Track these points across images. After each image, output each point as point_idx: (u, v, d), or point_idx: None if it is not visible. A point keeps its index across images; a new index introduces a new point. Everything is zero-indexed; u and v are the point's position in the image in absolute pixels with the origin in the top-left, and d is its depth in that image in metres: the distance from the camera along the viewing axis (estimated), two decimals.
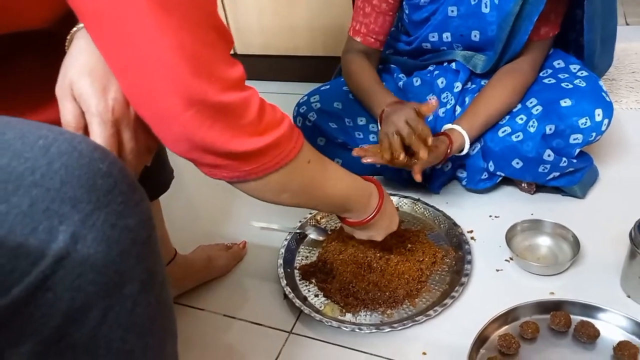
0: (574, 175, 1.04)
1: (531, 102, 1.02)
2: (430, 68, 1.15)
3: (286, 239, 1.02)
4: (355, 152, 0.96)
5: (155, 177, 0.58)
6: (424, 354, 0.80)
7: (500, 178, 1.09)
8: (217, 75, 0.49)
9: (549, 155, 0.98)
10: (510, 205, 1.08)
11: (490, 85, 1.04)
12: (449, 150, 0.98)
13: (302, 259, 1.00)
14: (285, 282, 0.92)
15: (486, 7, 0.99)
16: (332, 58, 1.65)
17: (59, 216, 0.36)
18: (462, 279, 0.90)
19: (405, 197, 1.11)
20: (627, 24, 1.93)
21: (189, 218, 1.21)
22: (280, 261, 0.96)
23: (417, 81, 1.15)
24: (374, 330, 0.82)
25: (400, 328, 0.82)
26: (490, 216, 1.06)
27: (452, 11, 1.03)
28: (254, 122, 0.53)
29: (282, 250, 0.99)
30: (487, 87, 1.04)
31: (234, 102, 0.51)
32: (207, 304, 0.94)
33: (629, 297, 0.84)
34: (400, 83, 1.17)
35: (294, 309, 0.89)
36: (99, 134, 0.49)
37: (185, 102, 0.47)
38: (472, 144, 1.02)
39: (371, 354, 0.81)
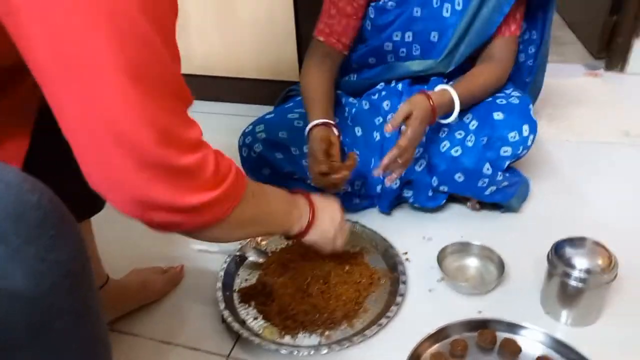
0: (509, 190, 1.11)
1: (467, 118, 1.09)
2: (379, 87, 1.20)
3: (225, 262, 1.01)
4: (376, 173, 1.02)
5: (87, 196, 0.56)
6: None
7: (445, 198, 1.14)
8: (176, 139, 0.51)
9: (487, 169, 1.04)
10: (443, 227, 1.13)
11: (476, 68, 1.11)
12: (431, 103, 0.99)
13: (242, 282, 1.00)
14: (223, 305, 0.91)
15: (447, 11, 1.08)
16: (277, 82, 1.68)
17: None
18: (397, 298, 0.92)
19: (345, 220, 1.13)
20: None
21: (124, 240, 1.16)
22: (219, 284, 0.95)
23: (366, 104, 1.20)
24: (312, 353, 0.83)
25: (338, 349, 0.84)
26: (424, 238, 1.10)
27: (417, 12, 1.11)
28: (210, 178, 0.55)
29: (221, 274, 0.98)
30: (473, 70, 1.11)
31: (193, 164, 0.53)
32: (143, 330, 0.91)
33: (547, 313, 0.90)
34: (353, 110, 1.20)
35: (232, 333, 0.88)
36: None
37: (142, 167, 0.48)
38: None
39: None
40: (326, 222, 0.84)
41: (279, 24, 1.61)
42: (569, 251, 0.85)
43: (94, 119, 0.46)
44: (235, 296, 0.96)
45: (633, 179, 1.29)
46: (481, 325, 0.85)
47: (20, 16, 0.42)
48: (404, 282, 0.96)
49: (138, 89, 0.46)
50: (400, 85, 1.17)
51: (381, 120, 1.16)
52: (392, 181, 1.04)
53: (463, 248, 1.03)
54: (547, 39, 1.21)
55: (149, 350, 0.88)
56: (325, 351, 0.83)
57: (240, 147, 1.17)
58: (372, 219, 1.16)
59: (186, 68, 1.79)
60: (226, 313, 0.89)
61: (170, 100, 0.50)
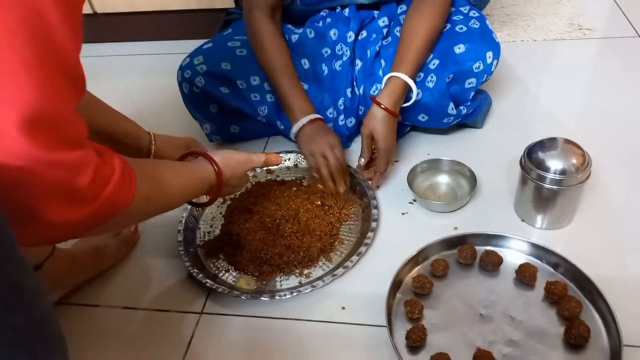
0: (473, 114, 1.08)
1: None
2: (323, 14, 1.09)
3: (182, 217, 0.93)
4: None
5: None
6: (343, 308, 0.80)
7: (409, 129, 1.11)
8: (57, 132, 0.44)
9: (452, 109, 0.99)
10: (408, 148, 1.09)
11: (410, 18, 0.97)
12: (383, 107, 0.92)
13: (204, 235, 0.94)
14: (189, 263, 0.85)
15: None
16: (210, 11, 1.53)
17: None
18: (372, 224, 0.90)
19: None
20: None
21: None
22: (181, 240, 0.89)
23: (310, 33, 1.08)
24: (294, 294, 0.79)
25: (321, 285, 0.81)
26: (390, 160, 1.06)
27: None
28: (91, 183, 0.48)
29: (181, 229, 0.91)
30: (408, 21, 0.97)
31: (70, 162, 0.46)
32: (103, 299, 0.85)
33: (523, 220, 0.90)
34: (294, 38, 1.09)
35: (202, 289, 0.84)
36: None
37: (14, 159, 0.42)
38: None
39: (291, 319, 0.79)
40: (234, 179, 0.80)
41: None
42: (541, 154, 0.83)
43: None
44: (200, 251, 0.90)
45: (591, 72, 1.28)
46: (459, 242, 0.84)
47: None
48: (376, 207, 0.93)
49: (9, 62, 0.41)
50: (346, 11, 1.07)
51: (329, 51, 1.07)
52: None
53: (433, 165, 1.01)
54: None
55: (113, 319, 0.82)
56: (308, 290, 0.80)
57: (180, 84, 1.07)
58: None
59: (104, 6, 1.60)
60: (195, 271, 0.84)
61: (59, 80, 0.44)
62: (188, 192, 0.72)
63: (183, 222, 0.93)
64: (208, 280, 0.82)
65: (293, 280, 0.84)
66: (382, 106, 0.92)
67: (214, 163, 0.75)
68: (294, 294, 0.80)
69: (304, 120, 0.99)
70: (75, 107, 0.48)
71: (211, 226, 0.96)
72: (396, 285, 0.79)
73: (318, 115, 1.01)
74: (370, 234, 0.88)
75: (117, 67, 1.54)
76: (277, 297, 0.80)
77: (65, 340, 0.43)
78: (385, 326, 0.72)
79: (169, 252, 0.91)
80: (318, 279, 0.83)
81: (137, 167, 0.56)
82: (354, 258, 0.84)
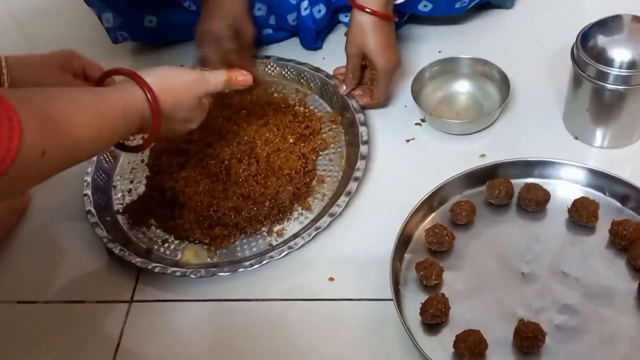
0: None
1: None
2: None
3: (88, 173, 0.90)
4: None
5: None
6: (332, 279, 0.79)
7: (406, 18, 1.06)
8: None
9: None
10: (409, 45, 1.05)
11: None
12: (369, 10, 0.86)
13: (124, 196, 0.91)
14: (108, 238, 0.82)
15: None
16: None
17: None
18: (362, 148, 0.87)
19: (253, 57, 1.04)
20: None
21: None
22: (90, 209, 0.86)
23: None
24: (266, 261, 0.78)
25: (300, 245, 0.79)
26: None
27: None
28: None
29: (88, 192, 0.88)
30: None
31: None
32: None
33: (576, 138, 0.90)
34: None
35: (130, 269, 0.82)
36: None
37: None
38: None
39: (257, 300, 0.78)
40: (180, 109, 0.75)
41: None
42: (601, 40, 0.80)
43: None
44: (122, 219, 0.88)
45: None
46: (489, 175, 0.83)
47: None
48: (364, 124, 0.90)
49: None
50: None
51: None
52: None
53: (447, 68, 0.98)
54: None
55: (6, 319, 0.81)
56: (283, 253, 0.79)
57: None
58: (296, 51, 1.08)
59: None
60: (117, 247, 0.81)
61: None
62: (106, 133, 0.66)
63: (89, 180, 0.89)
64: (138, 259, 0.80)
65: (261, 243, 0.83)
66: (368, 10, 0.85)
67: (143, 85, 0.69)
68: (265, 261, 0.78)
69: None
70: None
71: (131, 181, 0.93)
72: (404, 241, 0.78)
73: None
74: (360, 163, 0.85)
75: None
76: (241, 270, 0.78)
77: None
78: (391, 300, 0.71)
79: (75, 217, 0.89)
80: (295, 236, 0.81)
81: (20, 104, 0.51)
82: (342, 200, 0.82)
